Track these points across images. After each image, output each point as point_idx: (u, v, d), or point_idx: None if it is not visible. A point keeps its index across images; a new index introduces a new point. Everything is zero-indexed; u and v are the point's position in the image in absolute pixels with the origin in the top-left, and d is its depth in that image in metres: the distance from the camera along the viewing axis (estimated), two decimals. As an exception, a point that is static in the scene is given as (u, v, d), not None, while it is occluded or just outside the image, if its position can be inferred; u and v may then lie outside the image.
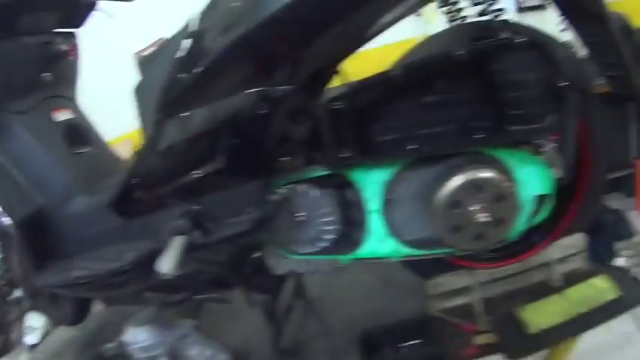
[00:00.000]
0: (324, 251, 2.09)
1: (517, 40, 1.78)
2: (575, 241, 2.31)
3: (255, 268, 2.26)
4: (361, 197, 2.02)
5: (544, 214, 2.13)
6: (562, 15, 1.93)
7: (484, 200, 1.87)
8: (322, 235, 2.05)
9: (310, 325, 2.73)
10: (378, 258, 2.08)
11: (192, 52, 1.83)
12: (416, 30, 3.78)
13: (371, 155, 1.94)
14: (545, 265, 2.32)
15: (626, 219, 2.62)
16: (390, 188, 2.01)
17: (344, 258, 2.10)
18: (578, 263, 2.35)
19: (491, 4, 2.39)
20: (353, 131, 1.91)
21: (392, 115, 2.00)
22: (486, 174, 1.88)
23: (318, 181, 2.05)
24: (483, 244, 1.96)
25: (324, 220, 2.04)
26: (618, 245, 2.58)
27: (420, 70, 1.90)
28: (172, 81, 1.85)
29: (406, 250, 2.07)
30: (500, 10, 2.34)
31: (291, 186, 2.03)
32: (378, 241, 2.05)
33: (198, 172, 2.04)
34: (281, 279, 2.49)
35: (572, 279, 2.31)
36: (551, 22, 2.35)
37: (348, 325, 2.63)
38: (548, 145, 2.05)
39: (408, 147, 1.90)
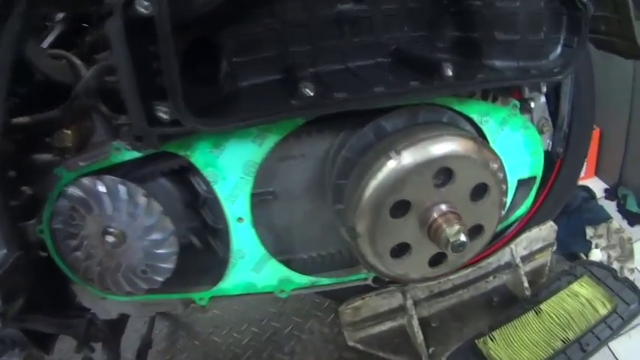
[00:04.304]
0: (161, 289, 0.85)
1: None
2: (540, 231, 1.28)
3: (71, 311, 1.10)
4: (215, 196, 0.79)
5: (525, 207, 1.02)
6: None
7: (454, 196, 0.74)
8: (154, 263, 0.82)
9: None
10: (255, 293, 0.87)
11: None
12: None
13: (230, 112, 0.69)
14: (505, 266, 1.23)
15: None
16: (265, 175, 0.80)
17: (198, 296, 0.87)
18: (543, 259, 1.33)
19: None
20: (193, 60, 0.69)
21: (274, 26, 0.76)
22: (460, 147, 0.72)
23: (134, 170, 0.81)
24: (442, 270, 0.81)
25: (153, 238, 0.81)
26: (589, 231, 1.45)
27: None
28: None
29: (300, 279, 0.86)
30: None
31: (81, 181, 0.78)
32: (252, 268, 0.84)
33: None
34: (115, 323, 1.04)
35: (542, 284, 1.29)
36: None
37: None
38: (537, 101, 0.93)
39: (316, 93, 0.66)
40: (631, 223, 1.82)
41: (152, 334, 1.16)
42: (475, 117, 0.86)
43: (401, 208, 0.74)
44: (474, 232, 0.81)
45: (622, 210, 1.94)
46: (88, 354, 1.00)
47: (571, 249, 1.39)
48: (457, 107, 0.83)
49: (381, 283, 0.90)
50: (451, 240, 0.73)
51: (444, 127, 0.77)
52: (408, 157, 0.71)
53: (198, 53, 0.75)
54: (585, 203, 1.45)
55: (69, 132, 0.82)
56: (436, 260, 0.82)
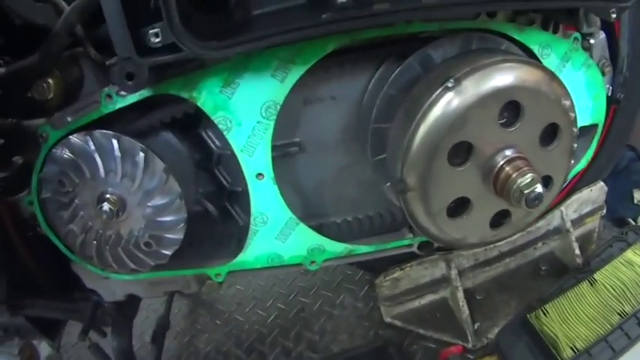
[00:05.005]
0: (171, 265, 0.67)
1: None
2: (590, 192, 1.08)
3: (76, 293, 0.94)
4: (230, 151, 0.60)
5: (585, 160, 0.82)
6: None
7: (522, 139, 0.55)
8: (159, 234, 0.64)
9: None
10: (282, 266, 0.68)
11: None
12: None
13: (241, 34, 0.49)
14: (555, 231, 0.98)
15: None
16: (288, 122, 0.61)
17: (213, 272, 0.69)
18: (591, 225, 1.14)
19: None
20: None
21: None
22: (531, 76, 0.53)
23: (131, 122, 0.62)
24: (504, 232, 0.62)
25: (156, 203, 0.62)
26: (637, 194, 1.20)
27: None
28: None
29: (334, 247, 0.67)
30: None
31: (69, 140, 0.60)
32: (277, 236, 0.65)
33: None
34: (124, 305, 0.85)
35: (592, 251, 1.08)
36: None
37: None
38: (596, 37, 0.72)
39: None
40: (662, 189, 1.61)
41: (170, 314, 1.00)
42: (535, 49, 0.65)
43: (460, 154, 0.56)
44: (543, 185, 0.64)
45: (652, 176, 1.73)
46: (93, 341, 0.85)
47: (618, 213, 1.17)
48: (516, 36, 0.63)
49: (429, 249, 0.71)
50: (525, 192, 0.54)
51: (507, 54, 0.59)
52: (471, 87, 0.51)
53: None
54: (632, 164, 1.24)
55: (50, 81, 0.65)
56: (498, 220, 0.63)
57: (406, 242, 0.70)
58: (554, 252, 1.01)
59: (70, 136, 0.63)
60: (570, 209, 0.99)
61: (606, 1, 0.65)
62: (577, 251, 0.98)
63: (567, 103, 0.61)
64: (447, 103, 0.52)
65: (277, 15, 0.57)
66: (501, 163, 0.56)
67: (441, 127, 0.52)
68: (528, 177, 0.55)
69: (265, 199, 0.62)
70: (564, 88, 0.62)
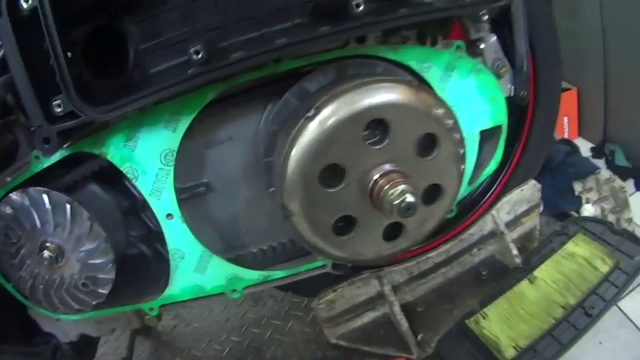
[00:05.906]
0: (111, 303, 0.73)
1: None
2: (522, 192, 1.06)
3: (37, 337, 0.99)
4: (141, 194, 0.67)
5: (495, 162, 0.85)
6: None
7: (396, 154, 0.61)
8: (92, 275, 0.70)
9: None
10: (206, 296, 0.74)
11: None
12: None
13: (130, 91, 0.57)
14: (490, 236, 0.99)
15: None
16: (193, 166, 0.69)
17: (147, 306, 0.74)
18: (530, 223, 1.15)
19: None
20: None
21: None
22: (391, 93, 0.59)
23: (60, 179, 0.70)
24: (402, 243, 0.67)
25: (86, 247, 0.69)
26: (577, 186, 1.22)
27: None
28: None
29: (250, 275, 0.72)
30: None
31: (10, 197, 0.68)
32: (195, 269, 0.71)
33: None
34: (81, 346, 0.90)
35: (533, 249, 1.05)
36: None
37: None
38: (486, 40, 0.77)
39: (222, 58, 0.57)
40: (623, 178, 1.59)
41: (133, 355, 1.04)
42: (414, 64, 0.71)
43: (335, 176, 0.61)
44: (432, 193, 0.66)
45: (611, 166, 1.69)
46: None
47: (560, 208, 1.18)
48: (391, 56, 0.69)
49: (342, 268, 0.75)
50: (395, 203, 0.59)
51: (370, 77, 0.64)
52: (329, 113, 0.57)
53: (105, 44, 0.66)
54: (568, 157, 1.25)
55: (-13, 147, 0.75)
56: (392, 233, 0.67)
57: (319, 264, 0.74)
58: (495, 255, 1.02)
59: (10, 194, 0.72)
60: (502, 212, 1.00)
61: (477, 5, 0.68)
62: (515, 252, 0.99)
63: (440, 111, 0.64)
64: (310, 131, 0.57)
65: (167, 73, 0.65)
66: (375, 178, 0.60)
67: (307, 154, 0.57)
68: (399, 188, 0.59)
69: (178, 237, 0.68)
70: (434, 97, 0.66)
